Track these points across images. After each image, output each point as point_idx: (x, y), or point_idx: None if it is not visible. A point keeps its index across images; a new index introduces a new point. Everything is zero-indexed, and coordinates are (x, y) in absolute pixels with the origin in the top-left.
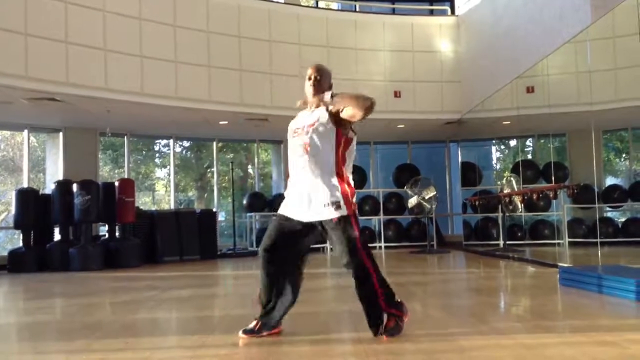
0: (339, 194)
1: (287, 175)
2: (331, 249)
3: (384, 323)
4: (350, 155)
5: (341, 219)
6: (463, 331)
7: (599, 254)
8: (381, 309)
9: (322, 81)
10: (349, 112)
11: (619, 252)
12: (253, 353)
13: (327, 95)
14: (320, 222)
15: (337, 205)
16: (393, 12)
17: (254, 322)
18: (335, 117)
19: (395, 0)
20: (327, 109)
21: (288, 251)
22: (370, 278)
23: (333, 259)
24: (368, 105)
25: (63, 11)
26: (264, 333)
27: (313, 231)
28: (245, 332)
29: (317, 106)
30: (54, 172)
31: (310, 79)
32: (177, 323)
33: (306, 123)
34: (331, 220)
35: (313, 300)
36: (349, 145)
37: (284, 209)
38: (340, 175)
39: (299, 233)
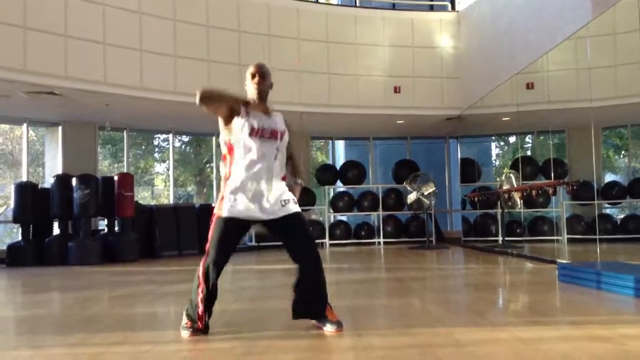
0: (291, 194)
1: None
2: (284, 243)
3: (331, 315)
4: None
5: (302, 214)
6: (461, 326)
7: (598, 250)
8: (326, 297)
9: (266, 80)
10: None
11: (618, 248)
12: (252, 346)
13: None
14: (283, 217)
15: (295, 202)
16: (393, 7)
17: (198, 324)
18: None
19: None
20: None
21: (232, 254)
22: (322, 267)
23: (332, 255)
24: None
25: (62, 5)
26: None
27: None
28: (193, 332)
29: (267, 109)
30: (53, 166)
31: (254, 77)
32: (176, 317)
33: (275, 127)
34: (297, 213)
35: None
36: None
37: (241, 212)
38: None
39: (244, 234)
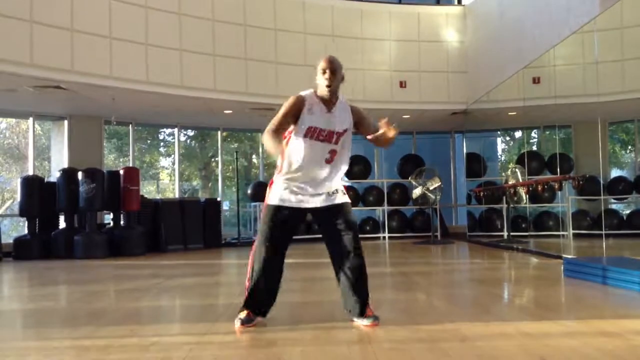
0: (342, 185)
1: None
2: (325, 235)
3: (368, 310)
4: None
5: (349, 205)
6: (466, 321)
7: (604, 245)
8: (367, 292)
9: (337, 75)
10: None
11: (624, 244)
12: (258, 340)
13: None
14: (327, 207)
15: (344, 192)
16: (399, 1)
17: (245, 312)
18: (356, 126)
19: None
20: (355, 121)
21: (287, 242)
22: (364, 261)
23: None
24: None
25: None
26: (255, 322)
27: (305, 217)
28: (243, 323)
29: (333, 104)
30: (59, 160)
31: (324, 72)
32: (182, 311)
33: (333, 129)
34: (343, 204)
35: (317, 289)
36: None
37: (290, 200)
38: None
39: (297, 223)
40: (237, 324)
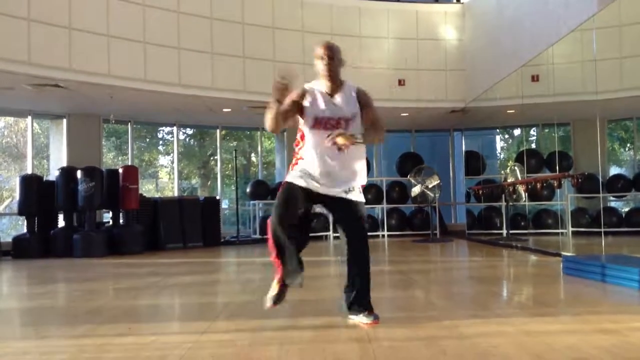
0: (363, 180)
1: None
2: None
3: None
4: None
5: (363, 204)
6: (465, 318)
7: (603, 243)
8: (369, 290)
9: (335, 59)
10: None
11: (622, 241)
12: (257, 338)
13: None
14: (341, 199)
15: (360, 191)
16: None
17: (277, 287)
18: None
19: None
20: (358, 100)
21: (299, 207)
22: (369, 260)
23: (337, 248)
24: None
25: None
26: (284, 298)
27: (322, 202)
28: (275, 302)
29: (336, 89)
30: (57, 159)
31: (322, 58)
32: (180, 309)
33: (342, 115)
34: (358, 202)
35: (317, 287)
36: None
37: (306, 182)
38: (365, 163)
39: (310, 201)
40: (268, 302)
